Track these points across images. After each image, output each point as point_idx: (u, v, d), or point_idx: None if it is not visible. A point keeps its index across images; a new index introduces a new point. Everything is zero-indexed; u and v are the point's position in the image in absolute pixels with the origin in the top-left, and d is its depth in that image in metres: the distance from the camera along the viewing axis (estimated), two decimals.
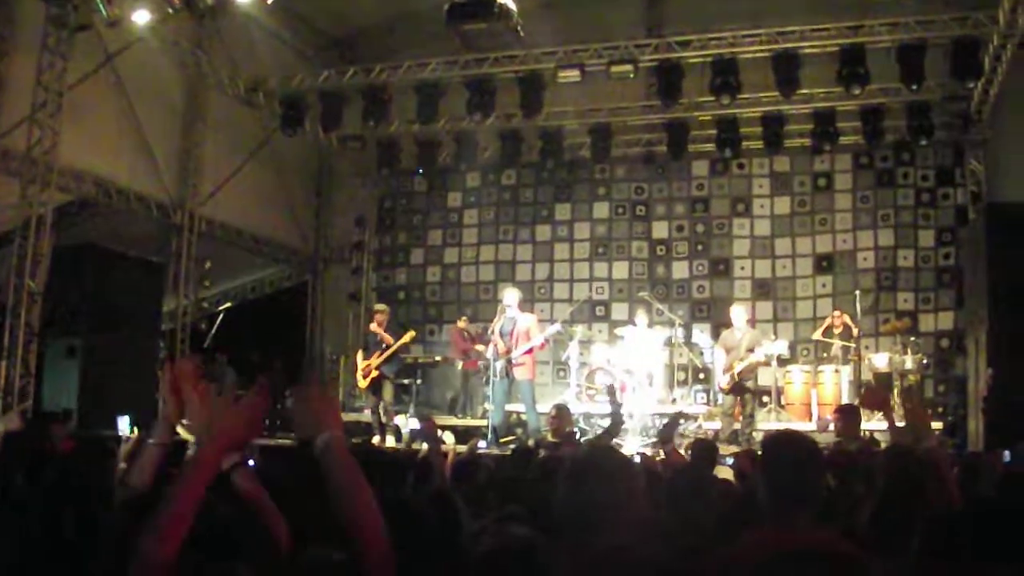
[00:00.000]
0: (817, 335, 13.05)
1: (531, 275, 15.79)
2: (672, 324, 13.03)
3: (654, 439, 9.96)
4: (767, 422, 11.90)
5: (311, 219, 16.90)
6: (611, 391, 6.93)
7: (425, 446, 5.72)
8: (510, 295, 10.94)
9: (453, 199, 16.57)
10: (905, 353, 12.47)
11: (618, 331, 13.14)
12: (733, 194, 15.31)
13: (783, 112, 13.63)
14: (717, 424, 11.64)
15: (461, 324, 13.72)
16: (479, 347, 12.35)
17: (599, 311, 15.45)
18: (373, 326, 11.79)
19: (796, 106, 13.44)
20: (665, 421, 8.90)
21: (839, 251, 14.54)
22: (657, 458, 6.42)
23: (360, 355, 11.74)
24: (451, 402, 13.75)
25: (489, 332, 11.01)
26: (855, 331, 12.55)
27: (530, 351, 10.71)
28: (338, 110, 14.02)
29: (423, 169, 15.96)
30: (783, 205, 14.96)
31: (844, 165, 14.76)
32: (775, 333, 13.63)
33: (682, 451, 8.64)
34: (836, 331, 12.67)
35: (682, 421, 10.61)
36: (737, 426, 11.06)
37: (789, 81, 12.08)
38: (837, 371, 12.45)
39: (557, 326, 11.67)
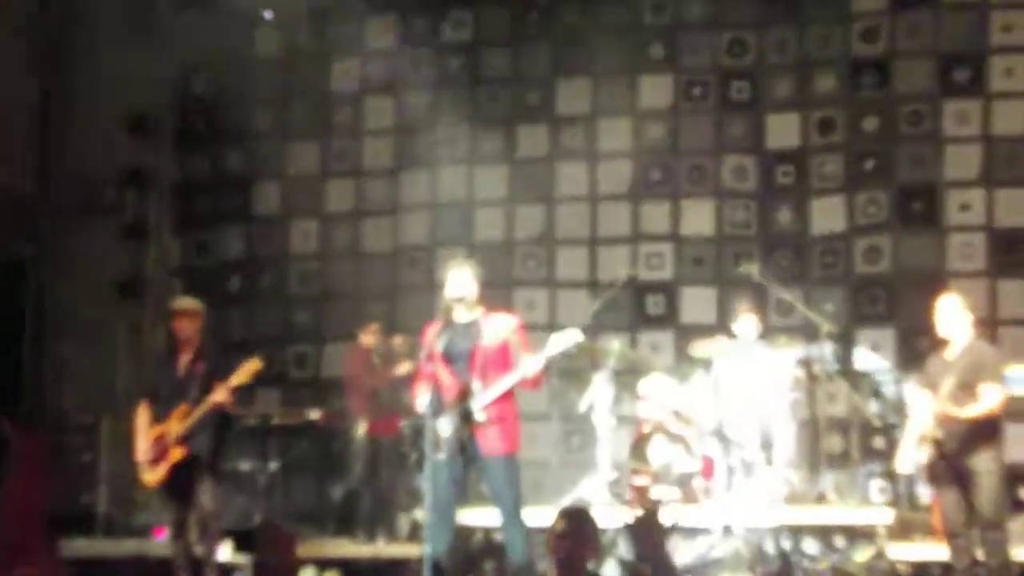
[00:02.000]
0: None
1: (506, 231, 15.17)
2: (814, 332, 12.59)
3: None
4: None
5: (31, 131, 15.51)
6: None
7: None
8: (460, 277, 9.71)
9: (341, 73, 15.60)
10: None
11: (697, 349, 12.62)
12: (942, 48, 13.96)
13: None
14: (918, 548, 10.94)
15: (367, 339, 13.38)
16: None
17: (654, 306, 14.65)
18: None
19: None
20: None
21: None
22: None
23: (144, 412, 10.82)
24: (343, 507, 13.54)
25: (422, 355, 9.77)
26: None
27: (510, 394, 9.48)
28: None
29: (274, 9, 14.87)
30: None
31: None
32: None
33: None
34: None
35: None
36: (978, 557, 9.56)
37: None
38: None
39: (574, 335, 10.37)
